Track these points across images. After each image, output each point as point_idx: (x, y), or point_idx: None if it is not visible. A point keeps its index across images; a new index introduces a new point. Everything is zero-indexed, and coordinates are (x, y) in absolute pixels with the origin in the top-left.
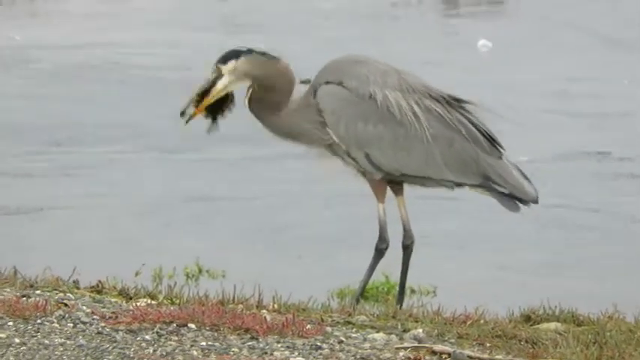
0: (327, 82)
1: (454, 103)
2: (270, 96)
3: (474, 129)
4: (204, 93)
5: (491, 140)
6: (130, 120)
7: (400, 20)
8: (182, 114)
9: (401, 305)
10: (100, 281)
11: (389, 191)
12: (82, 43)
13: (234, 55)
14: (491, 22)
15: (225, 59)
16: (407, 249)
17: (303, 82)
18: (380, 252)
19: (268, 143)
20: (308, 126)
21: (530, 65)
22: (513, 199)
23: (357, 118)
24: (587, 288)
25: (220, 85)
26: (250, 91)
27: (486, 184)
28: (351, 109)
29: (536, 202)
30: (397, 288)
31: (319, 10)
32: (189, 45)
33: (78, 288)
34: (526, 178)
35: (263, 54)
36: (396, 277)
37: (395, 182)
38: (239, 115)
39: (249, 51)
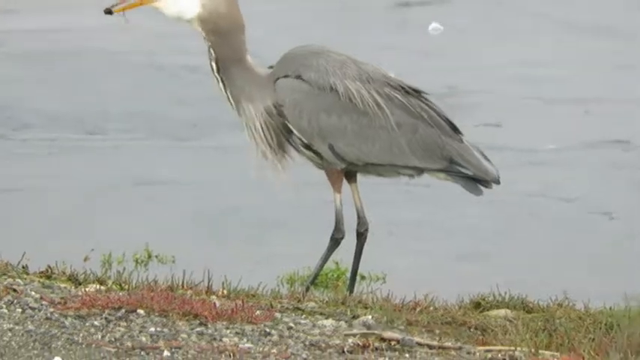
0: (286, 76)
1: (412, 91)
2: (224, 41)
3: (435, 114)
4: None
5: (452, 124)
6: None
7: (350, 8)
8: (109, 12)
9: (351, 292)
10: (49, 266)
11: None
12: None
13: None
14: (444, 7)
15: None
16: (361, 236)
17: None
18: (336, 241)
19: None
20: (258, 103)
21: (485, 49)
22: (475, 181)
23: (320, 111)
24: (540, 277)
25: None
26: (211, 48)
27: (451, 167)
28: (312, 102)
29: (497, 182)
30: (348, 274)
31: None
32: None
33: (27, 273)
34: (487, 159)
35: None
36: (346, 264)
37: (351, 171)
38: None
39: None
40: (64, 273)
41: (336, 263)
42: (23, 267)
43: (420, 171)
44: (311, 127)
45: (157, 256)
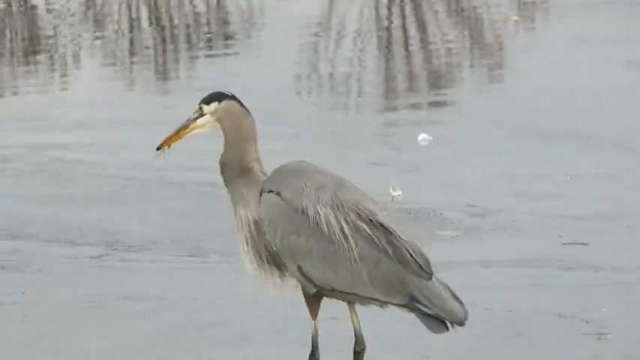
0: (270, 191)
1: (382, 227)
2: (235, 151)
3: (402, 250)
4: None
5: (423, 260)
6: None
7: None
8: (158, 148)
9: None
10: None
11: None
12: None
13: (217, 97)
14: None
15: (209, 100)
16: (357, 355)
17: None
18: None
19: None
20: (250, 211)
21: (471, 162)
22: (438, 320)
23: (291, 231)
24: None
25: (200, 122)
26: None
27: (412, 304)
28: (285, 221)
29: (461, 324)
30: None
31: None
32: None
33: None
34: (456, 298)
35: (242, 105)
36: None
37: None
38: None
39: (233, 97)
40: None
41: None
42: None
43: (384, 303)
44: (282, 246)
45: None
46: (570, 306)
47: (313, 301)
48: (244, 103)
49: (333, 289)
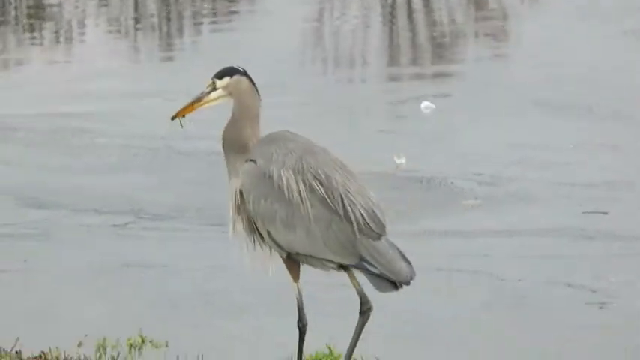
0: (250, 160)
1: (341, 186)
2: (237, 127)
3: (354, 211)
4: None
5: (374, 221)
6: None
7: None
8: (173, 118)
9: None
10: (42, 352)
11: None
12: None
13: (229, 72)
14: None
15: (221, 75)
16: (364, 314)
17: None
18: (300, 330)
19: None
20: (236, 180)
21: (474, 130)
22: (385, 279)
23: (260, 196)
24: None
25: (213, 95)
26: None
27: (361, 264)
28: (256, 187)
29: (407, 283)
30: (344, 356)
31: None
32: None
33: (21, 358)
34: (405, 259)
35: (252, 82)
36: (340, 349)
37: None
38: None
39: (244, 73)
40: (57, 358)
41: (330, 348)
42: (17, 352)
43: (338, 265)
44: (254, 211)
45: (151, 341)
46: (581, 276)
47: (291, 264)
48: (255, 80)
49: (297, 253)
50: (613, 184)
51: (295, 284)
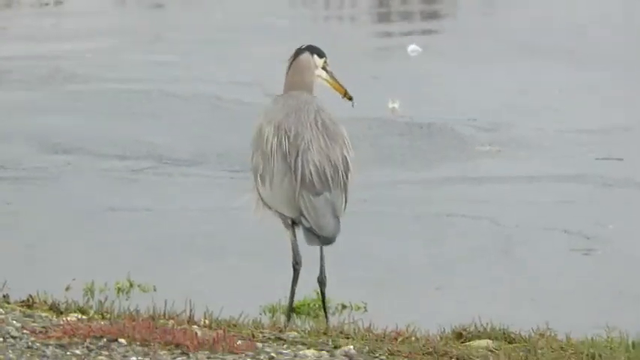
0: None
1: (306, 143)
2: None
3: (305, 167)
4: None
5: (320, 179)
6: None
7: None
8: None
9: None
10: (30, 296)
11: None
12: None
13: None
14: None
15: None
16: (321, 283)
17: None
18: (295, 269)
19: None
20: None
21: (464, 75)
22: (313, 233)
23: (254, 150)
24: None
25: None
26: None
27: (299, 218)
28: (254, 141)
29: (328, 239)
30: (329, 304)
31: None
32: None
33: (8, 302)
34: (335, 216)
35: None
36: (329, 294)
37: None
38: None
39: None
40: (45, 302)
41: (317, 293)
42: (4, 296)
43: (291, 220)
44: (250, 165)
45: (139, 285)
46: (581, 222)
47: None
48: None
49: (270, 207)
50: (613, 129)
51: (288, 231)
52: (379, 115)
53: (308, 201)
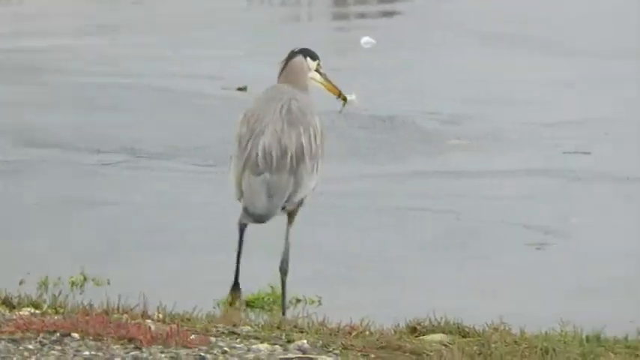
0: None
1: (263, 126)
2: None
3: (253, 149)
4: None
5: (265, 160)
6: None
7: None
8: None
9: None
10: None
11: None
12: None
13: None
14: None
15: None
16: (282, 272)
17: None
18: (241, 230)
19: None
20: None
21: (422, 65)
22: (246, 212)
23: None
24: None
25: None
26: None
27: (240, 196)
28: (237, 129)
29: (257, 217)
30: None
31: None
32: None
33: None
34: (270, 197)
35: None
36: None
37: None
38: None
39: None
40: None
41: (272, 287)
42: None
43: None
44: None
45: (93, 279)
46: (544, 217)
47: None
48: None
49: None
50: (583, 124)
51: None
52: (334, 107)
53: (247, 179)
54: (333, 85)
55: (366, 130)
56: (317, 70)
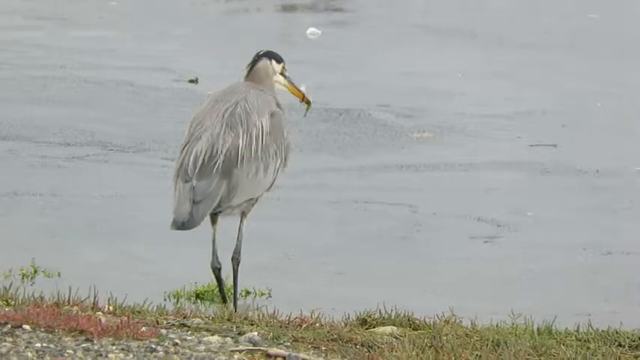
0: None
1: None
2: None
3: (186, 155)
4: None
5: (194, 166)
6: None
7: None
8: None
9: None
10: None
11: None
12: None
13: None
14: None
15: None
16: (234, 261)
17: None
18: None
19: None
20: None
21: (369, 57)
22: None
23: None
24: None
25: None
26: None
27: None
28: None
29: (180, 224)
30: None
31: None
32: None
33: None
34: (194, 203)
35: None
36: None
37: None
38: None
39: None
40: None
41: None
42: None
43: None
44: None
45: (43, 271)
46: (499, 209)
47: None
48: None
49: None
50: (532, 114)
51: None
52: (294, 101)
53: (176, 187)
54: (297, 89)
55: (327, 124)
56: (282, 73)
